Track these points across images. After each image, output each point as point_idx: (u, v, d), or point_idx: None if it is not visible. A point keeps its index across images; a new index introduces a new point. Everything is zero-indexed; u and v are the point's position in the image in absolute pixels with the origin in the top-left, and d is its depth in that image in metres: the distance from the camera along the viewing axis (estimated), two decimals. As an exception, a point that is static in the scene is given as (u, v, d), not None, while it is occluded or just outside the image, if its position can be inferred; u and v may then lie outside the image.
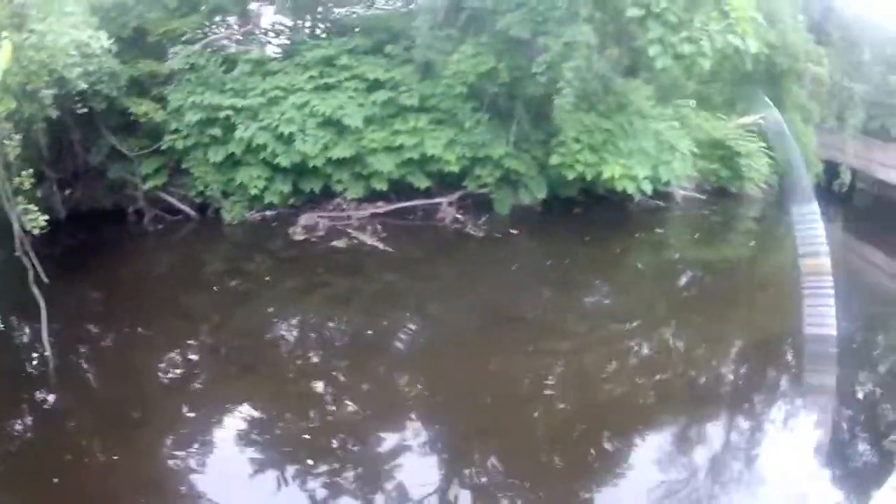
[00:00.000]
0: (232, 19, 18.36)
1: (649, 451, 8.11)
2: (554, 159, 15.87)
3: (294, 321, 11.64)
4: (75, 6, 11.84)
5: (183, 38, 15.95)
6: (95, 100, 13.34)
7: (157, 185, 15.36)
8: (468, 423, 8.52)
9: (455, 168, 15.69)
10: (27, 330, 9.90)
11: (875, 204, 26.24)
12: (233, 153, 15.33)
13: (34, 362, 9.14)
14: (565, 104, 14.77)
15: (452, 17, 16.30)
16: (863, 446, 8.07)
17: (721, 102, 21.51)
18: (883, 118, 27.35)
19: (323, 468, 7.33)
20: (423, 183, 15.90)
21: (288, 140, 15.18)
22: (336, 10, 18.81)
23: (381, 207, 15.77)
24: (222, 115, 15.16)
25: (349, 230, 15.05)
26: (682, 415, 9.01)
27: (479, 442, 8.10)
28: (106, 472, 6.99)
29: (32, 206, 8.54)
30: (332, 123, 15.29)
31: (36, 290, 9.02)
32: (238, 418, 8.15)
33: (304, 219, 15.27)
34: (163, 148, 15.21)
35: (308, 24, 18.85)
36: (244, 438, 7.75)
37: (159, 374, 9.35)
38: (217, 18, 17.92)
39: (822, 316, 7.59)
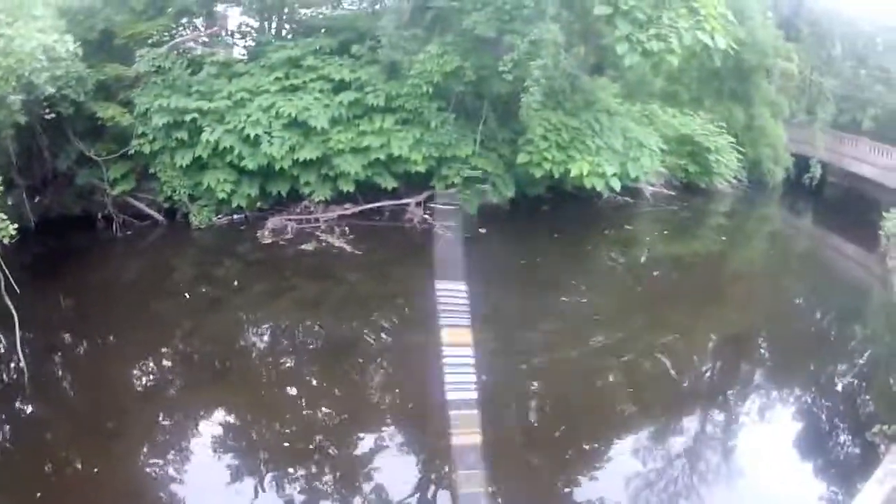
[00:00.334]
0: (199, 21, 18.20)
1: (627, 444, 8.23)
2: (521, 158, 15.91)
3: (264, 326, 11.60)
4: (43, 10, 11.77)
5: (149, 41, 15.79)
6: (63, 104, 13.14)
7: (125, 190, 15.14)
8: (443, 423, 8.45)
9: (422, 168, 15.65)
10: (0, 340, 9.74)
11: (846, 196, 26.64)
12: (199, 156, 15.12)
13: (10, 373, 9.01)
14: (532, 102, 14.81)
15: (418, 16, 16.29)
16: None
17: (688, 99, 21.72)
18: (853, 112, 27.79)
19: (299, 472, 7.35)
20: (390, 184, 15.83)
21: (254, 142, 15.03)
22: (302, 11, 18.67)
23: (349, 209, 15.67)
24: (188, 118, 14.96)
25: (317, 233, 14.96)
26: (659, 408, 9.14)
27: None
28: (86, 484, 6.95)
29: (2, 215, 8.40)
30: (297, 125, 15.17)
31: (8, 300, 8.91)
32: (213, 425, 8.16)
33: (272, 222, 15.14)
34: (130, 152, 14.98)
35: (274, 25, 18.72)
36: (220, 445, 7.76)
37: (133, 381, 9.33)
38: (184, 21, 17.71)
39: (464, 382, 8.35)
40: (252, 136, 14.93)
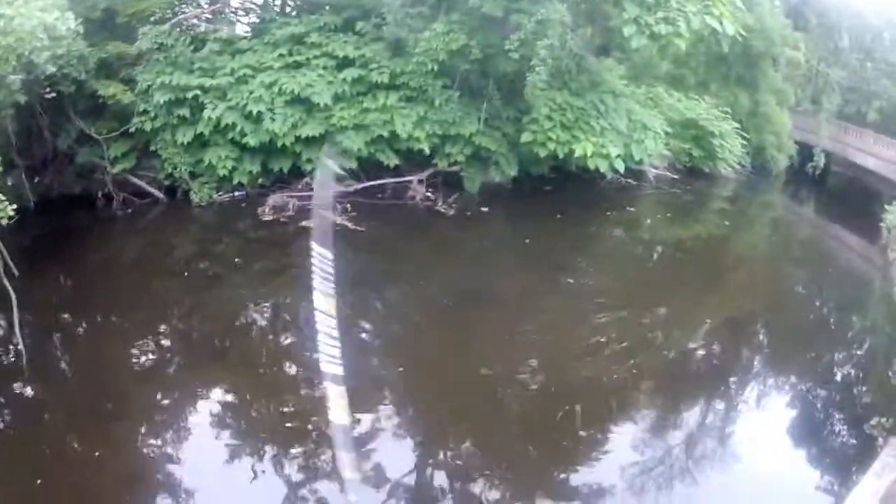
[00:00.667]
0: (202, -2, 18.07)
1: (625, 428, 8.17)
2: (525, 137, 15.80)
3: (265, 304, 11.52)
4: (45, -12, 11.66)
5: (152, 19, 15.64)
6: (64, 83, 13.10)
7: (126, 168, 15.03)
8: (443, 404, 8.49)
9: (425, 146, 15.55)
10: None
11: (849, 186, 26.57)
12: (201, 133, 15.03)
13: (8, 354, 8.92)
14: (538, 82, 14.76)
15: (424, -7, 16.17)
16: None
17: (694, 83, 21.60)
18: (859, 104, 27.70)
19: (299, 452, 7.28)
20: (392, 161, 15.74)
21: (256, 119, 14.94)
22: (307, -12, 18.52)
23: (351, 186, 15.57)
24: (190, 95, 14.88)
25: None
26: (659, 393, 9.05)
27: (454, 423, 8.09)
28: (87, 467, 6.88)
29: (0, 196, 8.28)
30: (300, 101, 15.07)
31: (6, 282, 8.86)
32: (213, 405, 8.09)
33: (274, 199, 15.02)
34: (131, 130, 14.87)
35: (278, 1, 18.57)
36: (220, 425, 7.71)
37: (133, 362, 9.22)
38: (187, -2, 17.61)
39: (333, 354, 8.14)
40: (254, 112, 14.85)
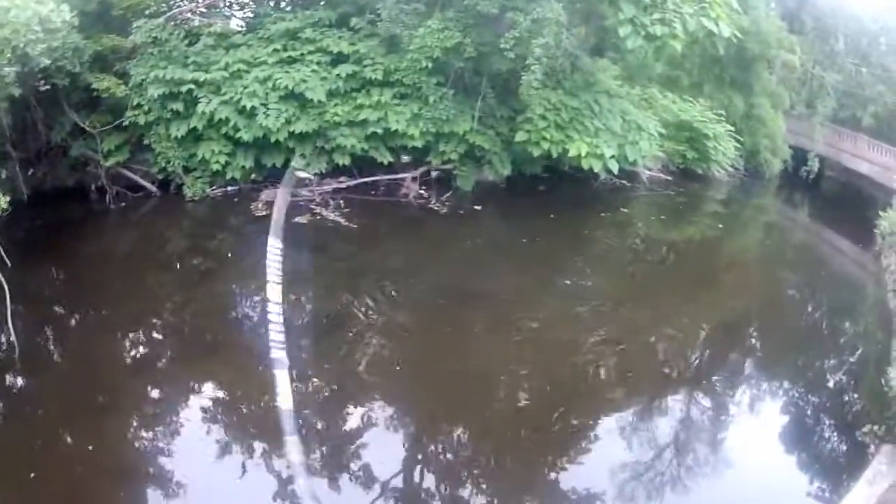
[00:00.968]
0: (197, -8, 17.96)
1: (617, 430, 8.17)
2: (520, 136, 15.79)
3: (256, 299, 11.36)
4: (41, -20, 11.59)
5: (147, 12, 15.59)
6: (58, 76, 12.99)
7: (119, 161, 14.99)
8: (435, 401, 8.51)
9: (419, 143, 15.52)
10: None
11: (842, 191, 26.63)
12: (195, 128, 15.00)
13: (0, 347, 8.91)
14: (533, 81, 14.68)
15: (419, -10, 16.14)
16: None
17: (689, 85, 21.63)
18: (854, 109, 27.75)
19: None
20: (386, 158, 15.72)
21: (250, 114, 14.90)
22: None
23: (344, 182, 15.55)
24: (184, 89, 14.84)
25: (311, 206, 14.83)
26: (651, 395, 9.04)
27: (446, 421, 8.09)
28: (81, 460, 6.89)
29: None
30: (294, 97, 15.03)
31: None
32: (204, 399, 8.11)
33: (266, 194, 14.95)
34: (125, 124, 14.85)
35: (273, -4, 18.55)
36: (212, 420, 7.72)
37: (125, 355, 9.27)
38: (182, -9, 17.52)
39: (278, 340, 8.78)
40: (248, 107, 14.80)
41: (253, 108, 14.80)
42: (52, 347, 9.36)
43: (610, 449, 7.77)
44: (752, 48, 21.58)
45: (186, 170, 15.27)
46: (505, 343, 9.98)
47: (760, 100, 23.03)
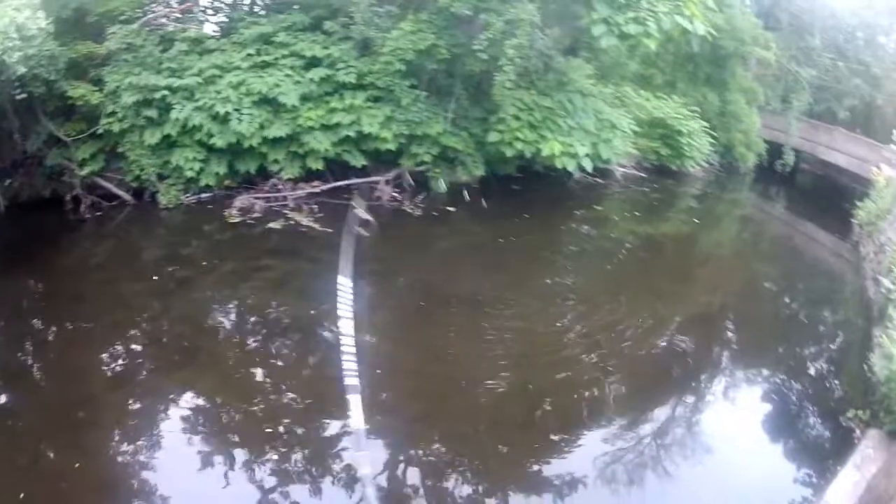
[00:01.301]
0: (172, -3, 17.91)
1: (599, 424, 8.26)
2: (493, 136, 15.88)
3: (232, 306, 11.44)
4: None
5: (121, 18, 15.51)
6: (34, 84, 12.88)
7: (94, 170, 14.84)
8: (415, 403, 8.56)
9: (392, 146, 15.54)
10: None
11: (818, 183, 26.97)
12: (168, 135, 14.87)
13: None
14: (505, 81, 14.77)
15: (392, -8, 16.20)
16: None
17: (663, 82, 21.82)
18: (829, 102, 28.09)
19: (270, 455, 7.32)
20: (359, 161, 15.71)
21: (223, 120, 14.82)
22: (275, -13, 18.44)
23: (318, 187, 15.53)
24: (158, 95, 14.71)
25: (285, 211, 14.81)
26: (632, 388, 9.14)
27: (426, 424, 8.13)
28: (66, 477, 6.86)
29: None
30: (267, 102, 15.00)
31: None
32: (184, 409, 8.09)
33: (240, 200, 14.94)
34: (99, 132, 14.69)
35: (247, 0, 18.50)
36: (192, 430, 7.72)
37: (104, 367, 9.18)
38: (157, -3, 17.45)
39: (350, 369, 8.78)
40: (221, 113, 14.69)
41: (226, 113, 14.72)
42: (29, 361, 9.30)
43: (593, 443, 7.87)
44: (726, 45, 21.81)
45: (160, 177, 15.17)
46: (486, 342, 10.00)
47: (735, 96, 23.28)
